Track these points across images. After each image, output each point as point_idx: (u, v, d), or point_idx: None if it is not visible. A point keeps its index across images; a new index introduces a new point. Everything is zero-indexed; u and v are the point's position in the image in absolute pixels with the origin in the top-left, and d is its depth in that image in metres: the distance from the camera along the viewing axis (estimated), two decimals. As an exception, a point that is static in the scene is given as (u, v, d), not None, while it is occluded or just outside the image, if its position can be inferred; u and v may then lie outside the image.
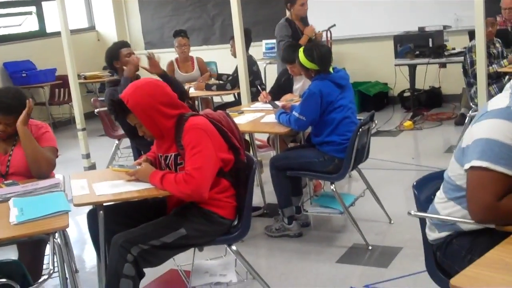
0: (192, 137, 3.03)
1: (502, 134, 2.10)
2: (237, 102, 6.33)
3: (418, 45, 7.45)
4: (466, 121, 6.33)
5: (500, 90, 6.06)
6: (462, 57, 6.69)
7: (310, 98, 4.12)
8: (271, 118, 4.57)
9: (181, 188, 2.95)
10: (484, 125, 2.16)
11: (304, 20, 6.38)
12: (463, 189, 2.22)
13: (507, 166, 2.09)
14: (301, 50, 4.28)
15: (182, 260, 3.56)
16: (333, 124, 4.13)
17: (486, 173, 2.09)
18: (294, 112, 4.20)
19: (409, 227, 4.11)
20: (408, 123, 7.30)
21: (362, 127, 4.09)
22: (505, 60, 6.32)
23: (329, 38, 8.14)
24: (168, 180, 2.99)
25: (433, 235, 2.48)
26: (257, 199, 4.74)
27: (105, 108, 5.88)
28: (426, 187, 2.65)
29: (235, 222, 3.22)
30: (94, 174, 3.83)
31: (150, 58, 4.79)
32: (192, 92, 6.53)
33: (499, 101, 2.21)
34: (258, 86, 5.79)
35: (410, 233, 4.05)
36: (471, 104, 6.23)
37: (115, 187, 3.09)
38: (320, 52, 4.21)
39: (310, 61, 4.19)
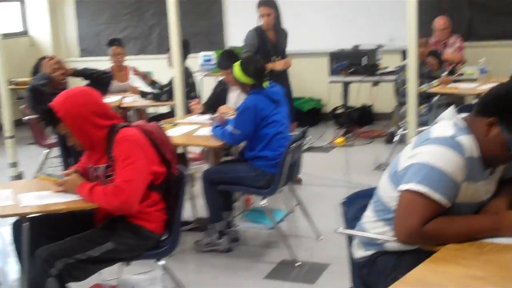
0: (123, 148, 2.99)
1: (445, 163, 2.16)
2: (172, 113, 6.28)
3: (352, 63, 7.56)
4: (395, 139, 6.47)
5: (430, 109, 6.30)
6: (394, 76, 6.85)
7: (244, 112, 4.14)
8: (206, 131, 4.55)
9: (110, 200, 2.90)
10: (429, 150, 2.21)
11: (277, 30, 6.02)
12: (395, 211, 2.27)
13: (444, 195, 2.14)
14: (236, 64, 4.29)
15: (108, 275, 3.49)
16: (266, 139, 4.15)
17: (422, 198, 2.14)
18: (228, 126, 4.20)
19: (337, 244, 4.11)
20: (340, 139, 7.42)
21: (295, 143, 4.13)
22: (435, 81, 6.50)
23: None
24: (97, 192, 2.94)
25: (359, 253, 2.51)
26: (188, 213, 4.72)
27: (35, 116, 5.75)
28: (354, 205, 2.68)
29: (164, 237, 3.18)
30: (20, 184, 3.72)
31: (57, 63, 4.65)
32: (126, 102, 6.45)
33: (443, 129, 2.26)
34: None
35: (338, 250, 4.04)
36: (400, 123, 6.38)
37: (42, 199, 3.02)
38: (256, 66, 4.24)
39: (246, 75, 4.21)
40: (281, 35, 6.04)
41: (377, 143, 7.50)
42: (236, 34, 9.25)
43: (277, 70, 5.75)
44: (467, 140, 2.22)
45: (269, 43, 5.92)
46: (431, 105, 6.37)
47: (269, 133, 4.16)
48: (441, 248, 2.10)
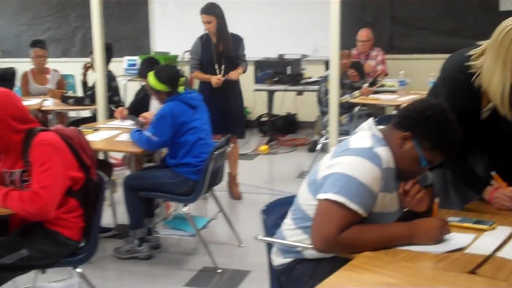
0: (40, 153, 2.90)
1: (363, 174, 2.20)
2: (94, 118, 6.18)
3: (277, 72, 7.66)
4: (317, 148, 6.57)
5: (351, 119, 6.44)
6: (318, 86, 6.96)
7: (161, 119, 4.11)
8: (127, 136, 4.49)
9: (26, 206, 2.81)
10: (347, 161, 2.24)
11: (223, 37, 5.56)
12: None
13: (360, 205, 2.19)
14: (151, 73, 4.28)
15: (22, 282, 3.38)
16: (187, 146, 4.14)
17: (339, 208, 2.17)
18: (145, 132, 4.17)
19: (258, 251, 4.11)
20: (264, 147, 7.49)
21: (218, 149, 4.13)
22: (357, 92, 6.64)
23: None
24: (12, 197, 2.85)
25: (278, 260, 2.53)
26: (108, 220, 4.64)
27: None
28: (275, 212, 2.70)
29: (82, 244, 3.12)
30: None
31: None
32: (48, 105, 6.30)
33: (362, 140, 2.32)
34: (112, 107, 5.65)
35: (259, 257, 4.04)
36: (323, 132, 6.49)
37: (-48, 204, 2.90)
38: (169, 73, 4.23)
39: (160, 83, 4.20)
40: (229, 42, 5.61)
41: (301, 151, 7.60)
42: (162, 39, 9.22)
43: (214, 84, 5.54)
44: (383, 152, 2.28)
45: (214, 51, 5.59)
46: (352, 115, 6.52)
47: (190, 139, 4.14)
48: (357, 256, 2.15)
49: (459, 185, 3.04)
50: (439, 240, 2.24)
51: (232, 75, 5.65)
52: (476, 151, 3.05)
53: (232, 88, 5.75)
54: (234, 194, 5.71)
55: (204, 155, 4.11)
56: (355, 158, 2.24)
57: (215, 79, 5.55)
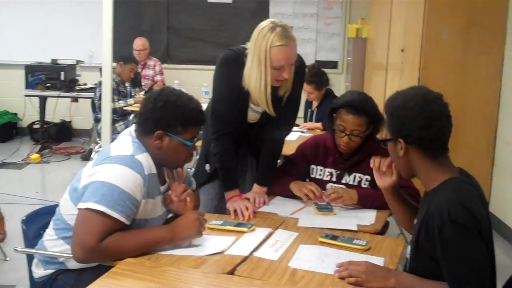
0: None
1: (124, 182, 2.19)
2: None
3: (50, 77, 7.39)
4: (92, 156, 6.44)
5: (127, 127, 6.41)
6: (93, 93, 6.83)
7: None
8: None
9: None
10: (107, 169, 2.21)
11: None
12: None
13: (122, 213, 2.17)
14: None
15: None
16: None
17: (100, 216, 2.14)
18: None
19: (25, 264, 3.97)
20: (35, 156, 7.15)
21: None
22: (131, 99, 6.64)
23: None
24: None
25: (39, 272, 2.44)
26: None
27: None
28: (37, 222, 2.60)
29: None
30: None
31: None
32: None
33: (122, 147, 2.30)
34: None
35: (26, 270, 3.92)
36: (98, 140, 6.38)
37: None
38: None
39: None
40: None
41: (75, 160, 7.39)
42: None
43: None
44: (144, 158, 2.29)
45: None
46: (127, 123, 6.49)
47: None
48: (119, 263, 2.14)
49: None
50: (200, 231, 2.31)
51: None
52: (247, 156, 3.18)
53: None
54: None
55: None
56: (116, 166, 2.22)
57: None
